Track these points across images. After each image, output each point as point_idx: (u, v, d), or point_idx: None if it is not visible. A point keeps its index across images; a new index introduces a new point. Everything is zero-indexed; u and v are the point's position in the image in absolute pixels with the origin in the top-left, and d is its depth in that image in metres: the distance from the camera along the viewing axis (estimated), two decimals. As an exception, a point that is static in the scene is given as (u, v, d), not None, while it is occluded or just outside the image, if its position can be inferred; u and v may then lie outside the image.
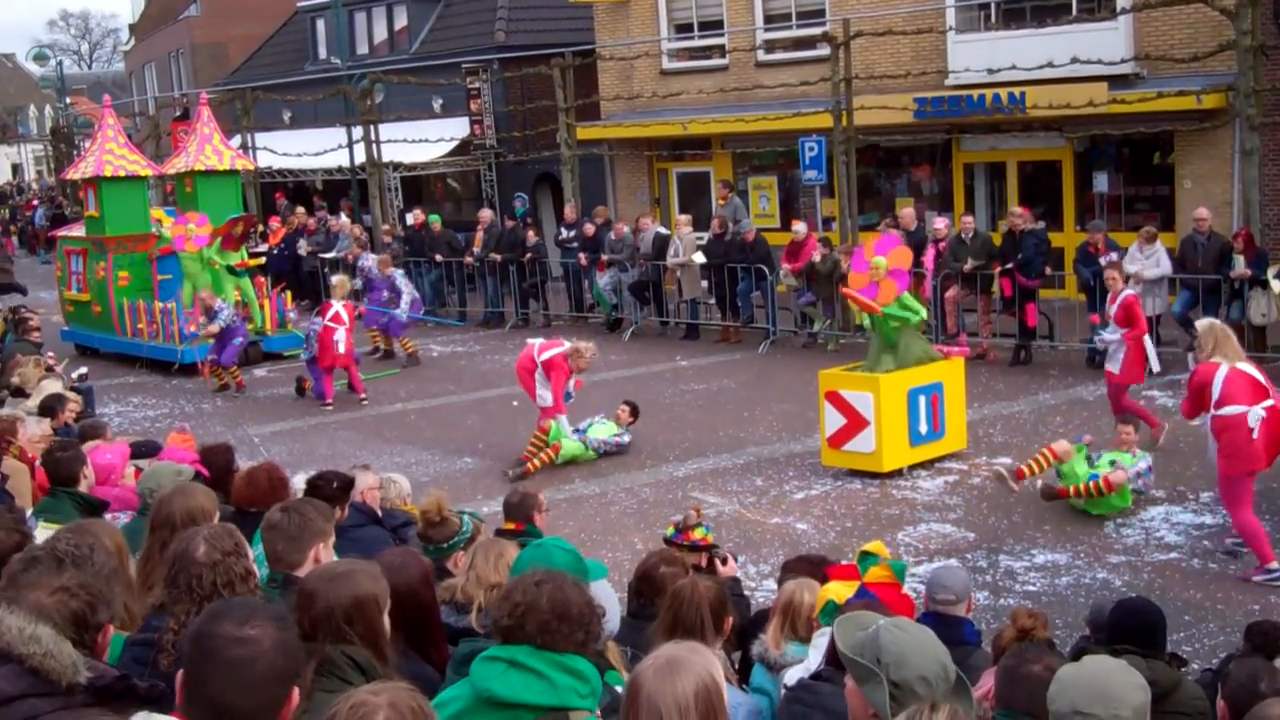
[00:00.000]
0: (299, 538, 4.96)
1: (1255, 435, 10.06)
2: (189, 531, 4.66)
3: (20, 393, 12.90)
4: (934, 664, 3.78)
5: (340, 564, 4.52)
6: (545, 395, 14.42)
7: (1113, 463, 11.72)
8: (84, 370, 17.83)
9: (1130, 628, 5.90)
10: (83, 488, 7.33)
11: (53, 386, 12.90)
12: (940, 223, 19.82)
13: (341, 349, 18.27)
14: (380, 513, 7.68)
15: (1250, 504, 10.31)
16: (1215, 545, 10.86)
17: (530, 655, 3.80)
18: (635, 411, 15.11)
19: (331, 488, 6.87)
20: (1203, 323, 10.95)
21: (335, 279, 19.97)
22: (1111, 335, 13.57)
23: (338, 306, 18.41)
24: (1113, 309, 13.62)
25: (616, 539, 11.85)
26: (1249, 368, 10.39)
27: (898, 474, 13.21)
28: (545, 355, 14.48)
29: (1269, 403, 10.11)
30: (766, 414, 16.23)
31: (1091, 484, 11.46)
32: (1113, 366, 13.60)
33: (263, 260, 25.05)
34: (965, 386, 14.18)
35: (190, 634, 3.25)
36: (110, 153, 22.18)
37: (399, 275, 21.31)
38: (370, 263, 22.06)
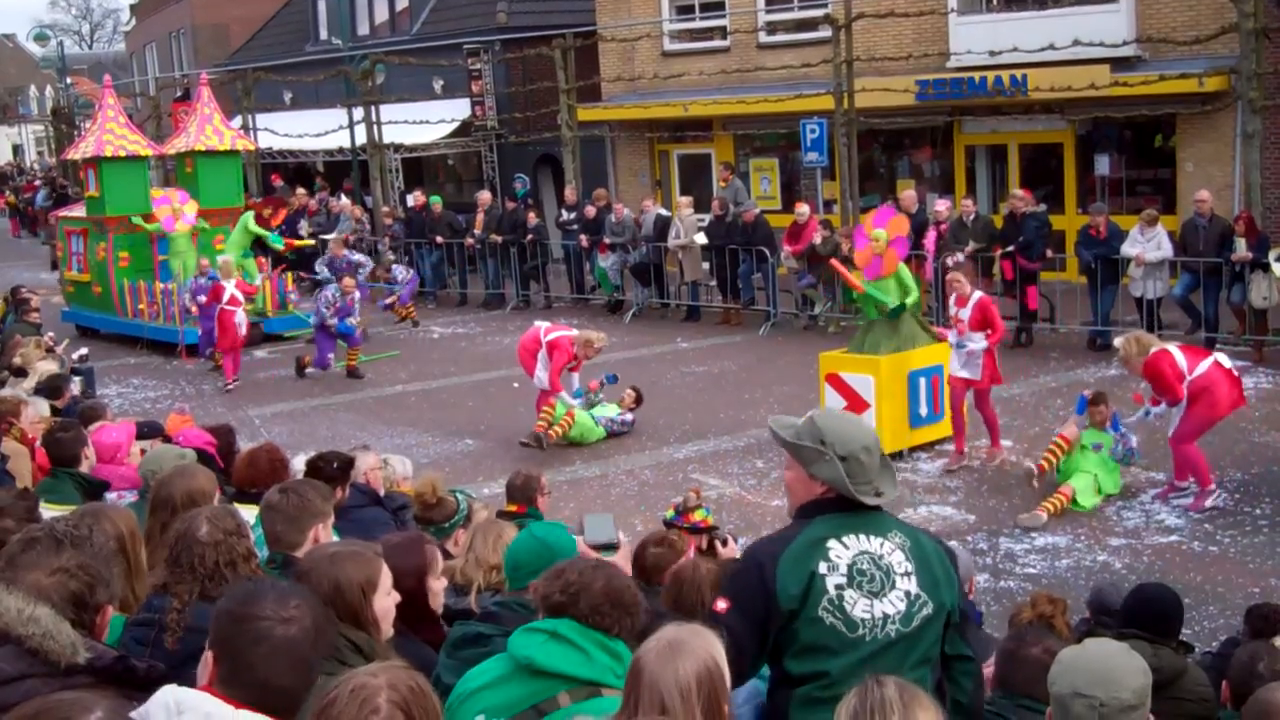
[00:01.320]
0: (298, 519, 4.97)
1: (1235, 374, 11.50)
2: (191, 512, 4.67)
3: (21, 373, 12.89)
4: (868, 435, 4.24)
5: (330, 546, 4.52)
6: (542, 376, 14.38)
7: (1095, 446, 11.78)
8: (84, 351, 17.82)
9: (1146, 614, 5.92)
10: (84, 468, 7.34)
11: (48, 367, 12.89)
12: (941, 205, 19.79)
13: (243, 331, 19.07)
14: (382, 493, 7.68)
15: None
16: (1171, 508, 11.40)
17: (573, 629, 3.88)
18: (639, 398, 15.13)
19: (332, 468, 6.86)
20: (1118, 340, 12.00)
21: (220, 259, 20.15)
22: (977, 345, 12.76)
23: (231, 288, 18.98)
24: (964, 312, 12.91)
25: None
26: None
27: (898, 456, 13.18)
28: (551, 336, 14.44)
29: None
30: (767, 396, 16.22)
31: (1055, 500, 11.45)
32: (971, 373, 12.85)
33: (311, 242, 25.26)
34: (966, 369, 14.15)
35: (225, 617, 3.24)
36: (111, 133, 22.15)
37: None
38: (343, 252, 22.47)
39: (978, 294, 13.19)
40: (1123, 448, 11.85)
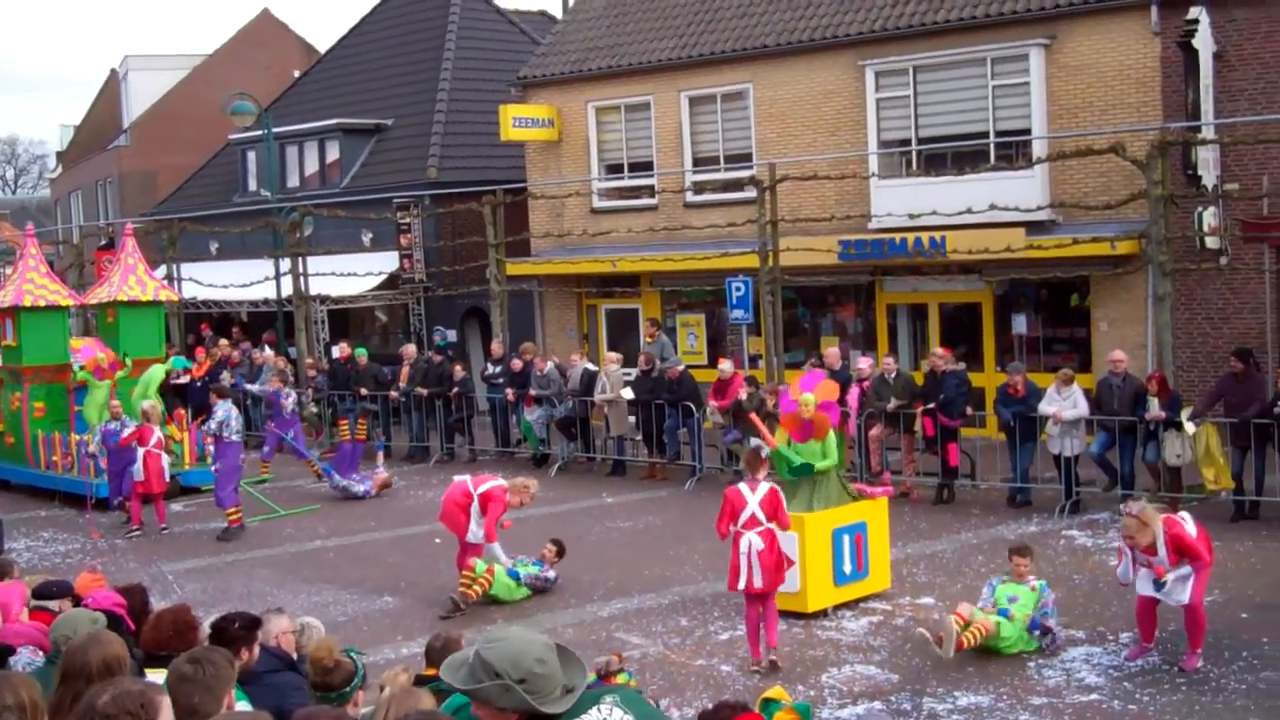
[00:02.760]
0: (214, 688, 4.88)
1: None
2: (99, 687, 4.56)
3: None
4: (536, 646, 4.15)
5: (248, 716, 4.43)
6: (477, 531, 14.22)
7: (1010, 599, 11.79)
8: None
9: None
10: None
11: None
12: (864, 362, 20.09)
13: (167, 477, 19.18)
14: (296, 657, 7.54)
15: None
16: (1092, 666, 11.25)
17: None
18: (561, 551, 15.01)
19: (234, 629, 6.76)
20: (1136, 506, 11.57)
21: (147, 404, 20.05)
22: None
23: (160, 433, 19.06)
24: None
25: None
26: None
27: (822, 614, 13.19)
28: (483, 488, 14.30)
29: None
30: (692, 552, 16.16)
31: (972, 632, 11.44)
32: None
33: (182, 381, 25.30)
34: (889, 526, 14.26)
35: None
36: (31, 282, 22.04)
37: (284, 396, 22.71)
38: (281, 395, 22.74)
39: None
40: (1040, 631, 11.85)
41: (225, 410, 18.61)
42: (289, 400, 22.82)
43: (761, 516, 11.76)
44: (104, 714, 4.27)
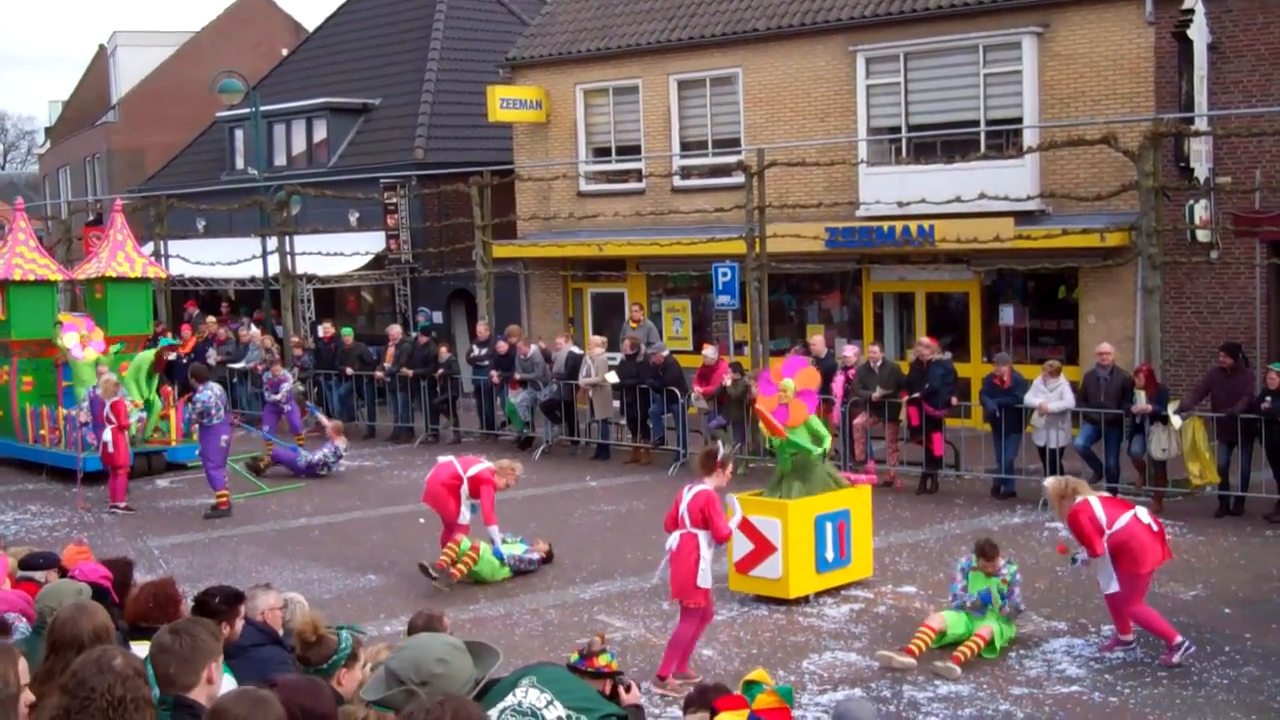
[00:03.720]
0: (191, 659, 4.87)
1: (1154, 529, 11.38)
2: (97, 650, 4.57)
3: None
4: (436, 648, 4.27)
5: (254, 692, 4.43)
6: (467, 513, 14.22)
7: (984, 598, 11.75)
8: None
9: None
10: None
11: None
12: (849, 351, 20.08)
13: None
14: (281, 632, 7.53)
15: (1142, 598, 11.39)
16: (1073, 658, 11.38)
17: None
18: (549, 555, 15.05)
19: (214, 603, 6.76)
20: (1049, 481, 12.08)
21: (105, 377, 19.81)
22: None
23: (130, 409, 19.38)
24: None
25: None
26: (1104, 494, 11.84)
27: (804, 601, 13.20)
28: (472, 471, 14.28)
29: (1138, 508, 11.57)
30: (675, 537, 16.15)
31: (970, 645, 11.47)
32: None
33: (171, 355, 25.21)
34: (872, 514, 14.27)
35: None
36: (20, 256, 21.97)
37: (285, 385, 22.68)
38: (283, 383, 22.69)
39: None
40: (1009, 604, 11.83)
41: (206, 396, 18.25)
42: (286, 385, 22.70)
43: (686, 519, 11.10)
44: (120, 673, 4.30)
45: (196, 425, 18.72)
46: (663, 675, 10.88)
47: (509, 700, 4.25)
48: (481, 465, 14.45)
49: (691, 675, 10.91)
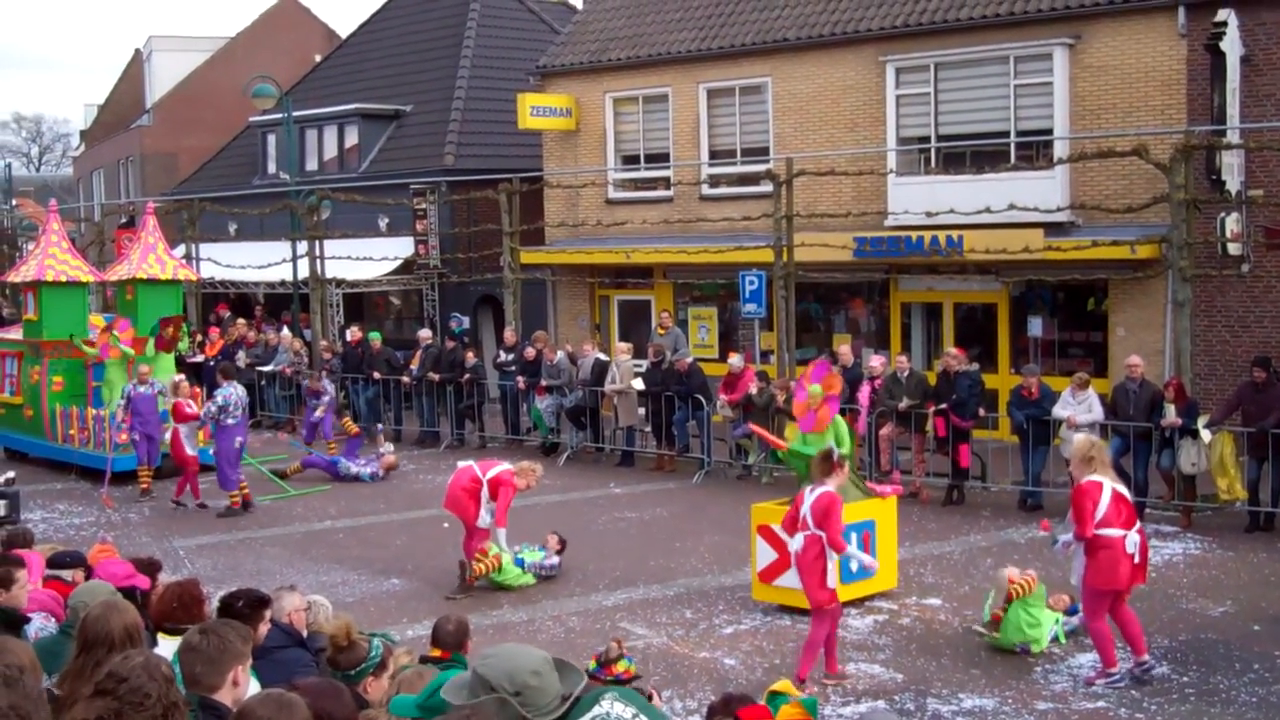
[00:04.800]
0: (218, 660, 4.89)
1: (1135, 560, 10.92)
2: (139, 653, 4.57)
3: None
4: (532, 660, 4.23)
5: (280, 695, 4.44)
6: (486, 516, 14.28)
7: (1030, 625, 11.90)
8: (11, 475, 17.56)
9: None
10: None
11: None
12: (876, 360, 20.03)
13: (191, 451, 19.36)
14: (305, 634, 7.55)
15: (1105, 615, 11.06)
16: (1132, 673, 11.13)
17: None
18: (563, 544, 15.04)
19: (239, 606, 6.76)
20: (1079, 437, 11.84)
21: (176, 378, 20.30)
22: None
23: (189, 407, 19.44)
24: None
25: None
26: (1123, 489, 11.20)
27: (828, 611, 13.15)
28: (491, 473, 14.36)
29: (1138, 526, 11.07)
30: (698, 545, 16.16)
31: (1025, 581, 11.66)
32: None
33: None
34: (897, 525, 14.23)
35: None
36: (53, 257, 22.12)
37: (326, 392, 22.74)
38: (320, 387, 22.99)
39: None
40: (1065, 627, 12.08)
41: (226, 394, 18.49)
42: (326, 398, 22.78)
43: (809, 520, 11.20)
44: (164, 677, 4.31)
45: (213, 422, 18.81)
46: (801, 677, 10.87)
47: (596, 711, 4.25)
48: (501, 467, 14.52)
49: (845, 675, 11.34)
